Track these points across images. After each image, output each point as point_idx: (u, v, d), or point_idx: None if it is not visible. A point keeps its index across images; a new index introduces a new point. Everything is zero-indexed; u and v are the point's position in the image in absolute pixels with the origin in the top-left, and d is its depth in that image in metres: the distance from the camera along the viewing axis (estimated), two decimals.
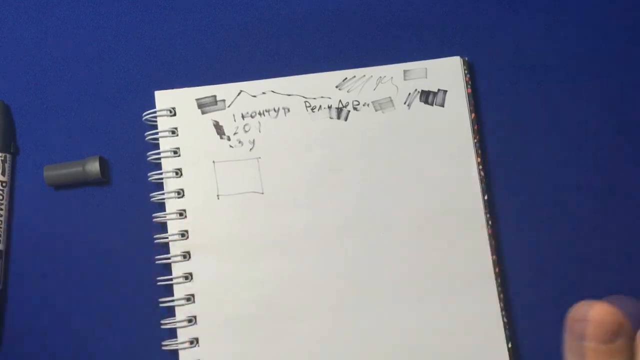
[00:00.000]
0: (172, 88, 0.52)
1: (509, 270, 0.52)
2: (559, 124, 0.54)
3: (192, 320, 0.50)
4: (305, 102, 0.52)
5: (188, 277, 0.50)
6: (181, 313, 0.50)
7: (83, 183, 0.53)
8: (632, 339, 0.31)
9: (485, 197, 0.51)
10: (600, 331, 0.31)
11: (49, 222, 0.53)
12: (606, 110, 0.54)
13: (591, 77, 0.54)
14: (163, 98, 0.52)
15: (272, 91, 0.52)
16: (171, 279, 0.50)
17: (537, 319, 0.52)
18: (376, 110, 0.52)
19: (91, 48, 0.54)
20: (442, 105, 0.52)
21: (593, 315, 0.32)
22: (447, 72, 0.52)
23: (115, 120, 0.54)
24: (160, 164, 0.51)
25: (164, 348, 0.50)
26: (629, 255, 0.52)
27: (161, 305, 0.50)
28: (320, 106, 0.52)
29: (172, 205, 0.51)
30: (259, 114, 0.52)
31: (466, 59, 0.53)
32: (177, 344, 0.49)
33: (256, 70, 0.54)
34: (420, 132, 0.52)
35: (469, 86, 0.52)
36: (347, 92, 0.52)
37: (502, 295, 0.51)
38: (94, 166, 0.52)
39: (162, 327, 0.50)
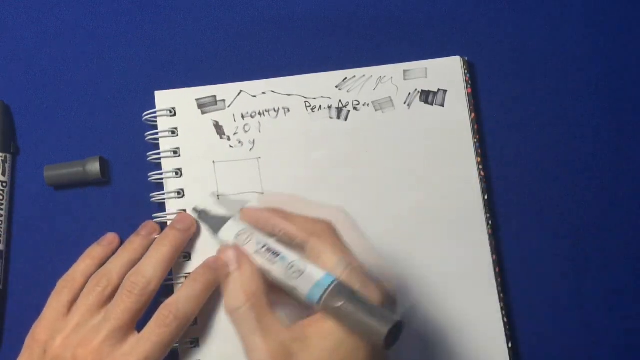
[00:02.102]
0: (172, 88, 0.52)
1: (509, 270, 0.52)
2: (559, 124, 0.54)
3: None
4: (305, 102, 0.52)
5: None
6: None
7: (83, 183, 0.53)
8: None
9: (485, 197, 0.51)
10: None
11: (49, 222, 0.53)
12: (606, 110, 0.54)
13: (591, 77, 0.54)
14: (163, 98, 0.52)
15: (272, 91, 0.52)
16: (171, 279, 0.50)
17: (537, 319, 0.52)
18: (376, 110, 0.52)
19: (91, 48, 0.54)
20: (442, 105, 0.52)
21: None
22: (447, 72, 0.52)
23: (115, 120, 0.54)
24: (160, 164, 0.51)
25: None
26: (629, 255, 0.52)
27: None
28: (320, 106, 0.52)
29: (172, 205, 0.51)
30: (259, 114, 0.52)
31: (466, 58, 0.53)
32: (177, 343, 0.49)
33: (256, 70, 0.54)
34: (420, 132, 0.52)
35: (469, 86, 0.52)
36: (347, 92, 0.52)
37: (502, 295, 0.51)
38: (94, 166, 0.52)
39: None
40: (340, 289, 0.38)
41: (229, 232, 0.45)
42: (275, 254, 0.42)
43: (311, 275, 0.40)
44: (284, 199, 0.45)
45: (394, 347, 0.38)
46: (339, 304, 0.37)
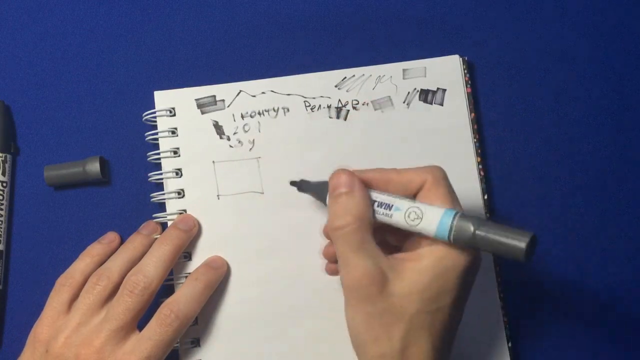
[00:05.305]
0: (172, 88, 0.52)
1: (508, 269, 0.52)
2: (559, 123, 0.54)
3: None
4: (304, 101, 0.52)
5: None
6: None
7: (83, 183, 0.53)
8: None
9: (485, 197, 0.51)
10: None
11: (49, 222, 0.53)
12: (605, 110, 0.54)
13: (591, 77, 0.54)
14: (162, 98, 0.52)
15: (272, 91, 0.52)
16: (172, 279, 0.50)
17: (537, 319, 0.52)
18: (375, 110, 0.52)
19: (91, 48, 0.54)
20: (442, 104, 0.52)
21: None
22: (447, 71, 0.52)
23: (115, 120, 0.54)
24: (160, 164, 0.51)
25: None
26: (628, 254, 0.52)
27: None
28: (319, 106, 0.52)
29: (173, 205, 0.51)
30: (259, 113, 0.52)
31: (465, 58, 0.53)
32: (177, 343, 0.49)
33: (256, 70, 0.54)
34: (420, 131, 0.52)
35: (468, 85, 0.52)
36: (347, 91, 0.52)
37: (502, 295, 0.51)
38: (94, 166, 0.52)
39: None
40: (465, 218, 0.39)
41: None
42: (389, 206, 0.41)
43: (432, 215, 0.40)
44: (376, 170, 0.44)
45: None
46: (471, 231, 0.38)
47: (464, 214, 0.39)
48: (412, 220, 0.40)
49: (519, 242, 0.37)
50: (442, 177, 0.42)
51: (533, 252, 0.38)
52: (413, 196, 0.42)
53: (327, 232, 0.44)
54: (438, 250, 0.40)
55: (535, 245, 0.38)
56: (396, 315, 0.39)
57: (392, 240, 0.45)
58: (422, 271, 0.40)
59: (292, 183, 0.47)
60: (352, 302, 0.41)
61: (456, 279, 0.40)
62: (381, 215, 0.42)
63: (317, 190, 0.46)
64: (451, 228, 0.39)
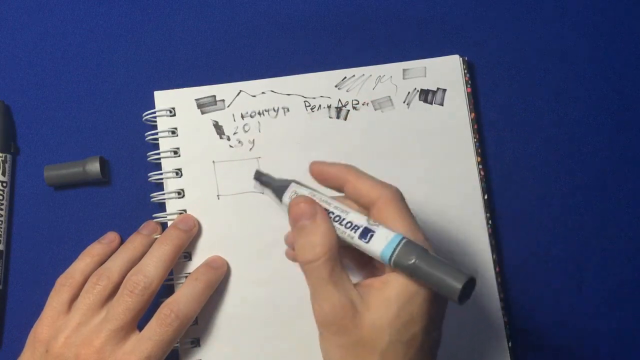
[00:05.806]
0: (172, 88, 0.52)
1: (508, 270, 0.52)
2: (559, 123, 0.54)
3: None
4: (304, 101, 0.52)
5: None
6: None
7: (83, 183, 0.53)
8: None
9: (485, 197, 0.51)
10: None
11: (49, 222, 0.53)
12: (605, 109, 0.54)
13: (591, 77, 0.54)
14: (162, 98, 0.52)
15: (272, 91, 0.52)
16: (172, 279, 0.50)
17: (537, 319, 0.52)
18: (375, 110, 0.52)
19: (91, 48, 0.54)
20: (442, 104, 0.52)
21: None
22: (447, 71, 0.52)
23: (115, 120, 0.54)
24: (160, 164, 0.51)
25: None
26: (628, 254, 0.52)
27: None
28: (319, 106, 0.52)
29: (172, 205, 0.51)
30: (259, 113, 0.52)
31: (465, 58, 0.53)
32: (177, 343, 0.49)
33: (256, 70, 0.54)
34: (420, 131, 0.52)
35: (468, 85, 0.52)
36: (347, 91, 0.52)
37: (502, 295, 0.51)
38: (94, 166, 0.52)
39: None
40: (410, 246, 0.38)
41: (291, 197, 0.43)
42: (341, 217, 0.41)
43: (381, 235, 0.39)
44: (338, 168, 0.43)
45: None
46: (411, 261, 0.37)
47: (410, 242, 0.38)
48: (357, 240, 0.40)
49: (456, 282, 0.36)
50: (393, 198, 0.41)
51: (469, 294, 0.37)
52: (366, 209, 0.41)
53: (292, 255, 0.44)
54: (403, 275, 0.39)
55: (473, 287, 0.37)
56: (369, 347, 0.39)
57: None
58: (389, 301, 0.39)
59: (256, 175, 0.45)
60: (325, 335, 0.40)
61: (424, 302, 0.39)
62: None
63: (275, 189, 0.44)
64: (393, 252, 0.38)
